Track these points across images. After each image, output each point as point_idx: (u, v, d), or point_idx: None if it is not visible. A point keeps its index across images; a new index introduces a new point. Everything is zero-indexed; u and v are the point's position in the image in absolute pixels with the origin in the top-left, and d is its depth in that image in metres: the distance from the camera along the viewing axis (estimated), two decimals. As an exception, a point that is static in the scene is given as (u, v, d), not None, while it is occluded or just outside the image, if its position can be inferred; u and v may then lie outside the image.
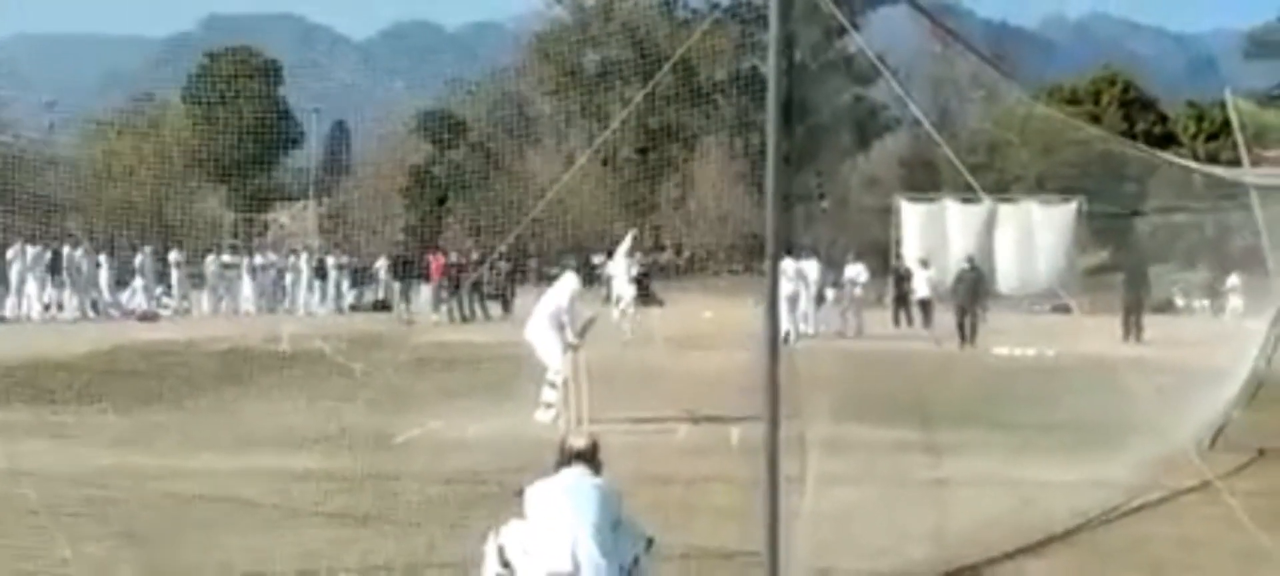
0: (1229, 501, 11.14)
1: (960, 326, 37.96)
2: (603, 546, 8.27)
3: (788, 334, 36.82)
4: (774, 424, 9.35)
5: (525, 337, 19.83)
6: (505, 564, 8.44)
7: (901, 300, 47.08)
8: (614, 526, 8.49)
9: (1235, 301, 43.72)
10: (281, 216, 68.03)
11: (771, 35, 9.49)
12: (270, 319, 41.23)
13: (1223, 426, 17.70)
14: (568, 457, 8.82)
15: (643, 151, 65.81)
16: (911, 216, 59.15)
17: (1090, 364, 24.13)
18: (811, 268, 40.66)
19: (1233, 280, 44.77)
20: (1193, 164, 38.43)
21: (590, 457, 8.87)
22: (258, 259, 49.95)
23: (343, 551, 11.19)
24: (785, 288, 39.44)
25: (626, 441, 17.94)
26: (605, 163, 63.93)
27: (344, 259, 52.18)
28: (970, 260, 42.44)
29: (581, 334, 20.08)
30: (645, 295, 56.46)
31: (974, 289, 39.27)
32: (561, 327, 19.81)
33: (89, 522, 12.18)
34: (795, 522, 9.93)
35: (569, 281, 20.82)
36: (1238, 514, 10.72)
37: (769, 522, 9.36)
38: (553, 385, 19.33)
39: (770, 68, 9.61)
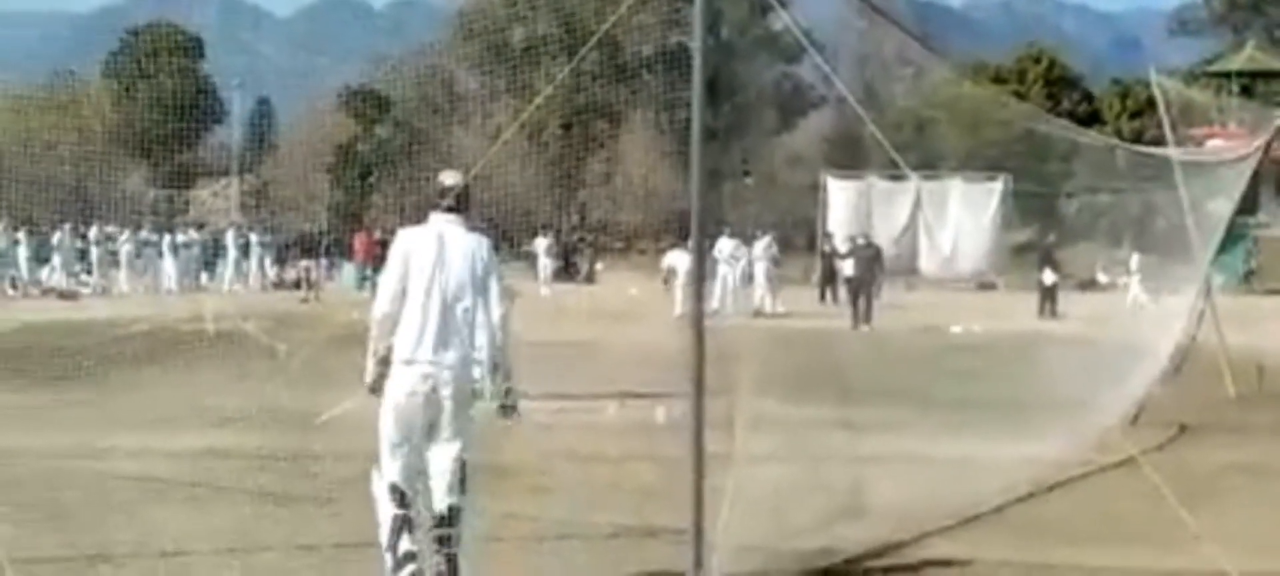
0: (1151, 476, 11.17)
1: (855, 305, 37.39)
2: (464, 311, 8.97)
3: (716, 310, 36.89)
4: (698, 400, 9.31)
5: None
6: (400, 496, 8.91)
7: (828, 278, 47.14)
8: (482, 284, 9.08)
9: (1136, 281, 44.13)
10: (203, 193, 67.45)
11: (696, 10, 9.41)
12: (192, 297, 40.84)
13: (1145, 403, 17.82)
14: (441, 194, 9.29)
15: (568, 127, 65.61)
16: (838, 194, 59.38)
17: (1012, 341, 24.37)
18: (728, 245, 40.46)
19: (1135, 260, 45.18)
20: (1116, 142, 38.75)
21: (461, 195, 9.30)
22: (179, 236, 49.45)
23: (266, 530, 11.05)
24: (721, 266, 39.57)
25: (554, 419, 17.91)
26: (532, 139, 63.66)
27: (267, 236, 51.76)
28: (865, 236, 42.16)
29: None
30: (573, 271, 56.51)
31: (870, 266, 38.43)
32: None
33: (3, 502, 11.97)
34: (721, 500, 9.86)
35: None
36: (1161, 489, 10.75)
37: (694, 500, 9.33)
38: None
39: (696, 43, 9.53)
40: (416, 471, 9.01)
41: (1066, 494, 13.34)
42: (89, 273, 46.01)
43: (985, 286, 55.79)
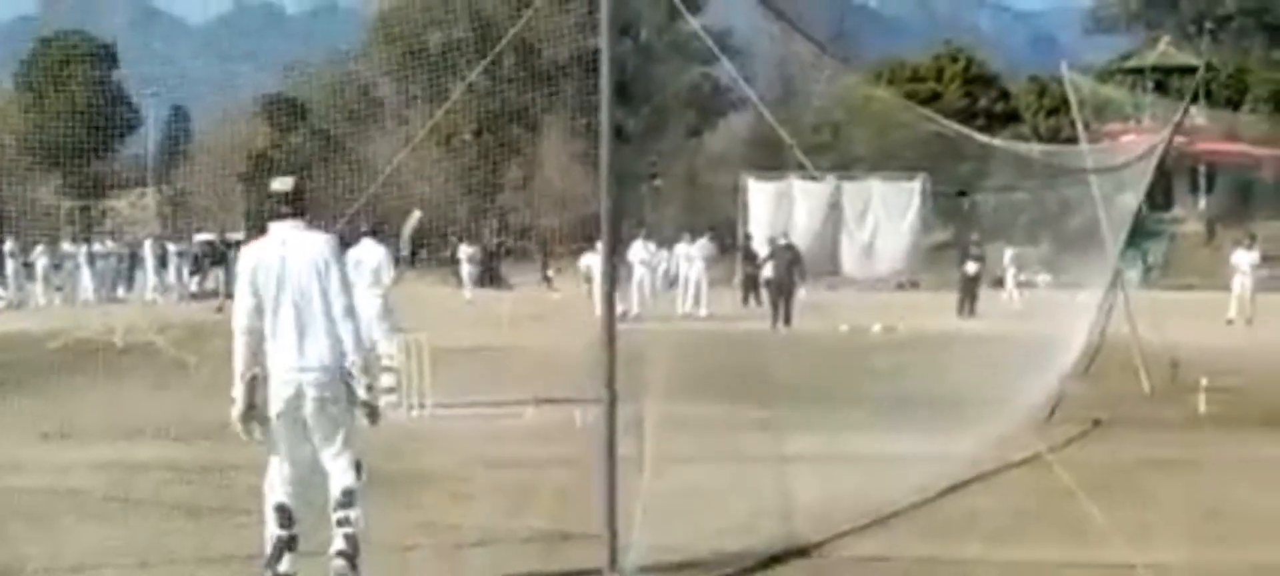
0: (1059, 473, 11.29)
1: (774, 305, 37.44)
2: (321, 313, 9.18)
3: (624, 312, 36.86)
4: (611, 403, 9.37)
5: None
6: (286, 516, 9.30)
7: (750, 280, 47.19)
8: (326, 282, 9.24)
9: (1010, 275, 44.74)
10: (119, 204, 66.76)
11: (603, 14, 9.43)
12: (109, 309, 40.42)
13: (1059, 399, 17.98)
14: (275, 202, 9.48)
15: (482, 133, 65.48)
16: (758, 195, 59.55)
17: (932, 340, 24.51)
18: (640, 250, 40.41)
19: (1008, 254, 45.87)
20: (1029, 146, 39.05)
21: (296, 198, 9.48)
22: (97, 246, 48.93)
23: (176, 543, 10.97)
24: (637, 269, 39.61)
25: (471, 425, 17.89)
26: (445, 145, 63.46)
27: (184, 245, 51.30)
28: (784, 236, 42.33)
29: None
30: (495, 277, 56.37)
31: (789, 266, 38.44)
32: (388, 309, 19.52)
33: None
34: (635, 503, 9.88)
35: (372, 251, 19.86)
36: (1069, 485, 10.86)
37: (607, 502, 9.37)
38: (390, 370, 19.03)
39: (602, 47, 9.54)
40: (303, 484, 9.35)
41: (981, 490, 13.42)
42: (4, 287, 45.42)
43: (904, 286, 56.14)
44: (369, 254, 19.60)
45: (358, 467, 9.36)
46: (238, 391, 9.26)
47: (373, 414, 9.50)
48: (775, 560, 10.55)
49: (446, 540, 11.24)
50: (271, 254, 9.29)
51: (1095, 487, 12.39)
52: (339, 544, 9.22)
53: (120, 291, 48.08)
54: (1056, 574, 10.09)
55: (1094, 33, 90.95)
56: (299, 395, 9.17)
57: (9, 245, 45.66)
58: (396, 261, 20.33)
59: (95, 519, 12.06)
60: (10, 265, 45.53)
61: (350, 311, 9.33)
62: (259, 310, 9.21)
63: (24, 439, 16.52)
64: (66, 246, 49.11)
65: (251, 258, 9.37)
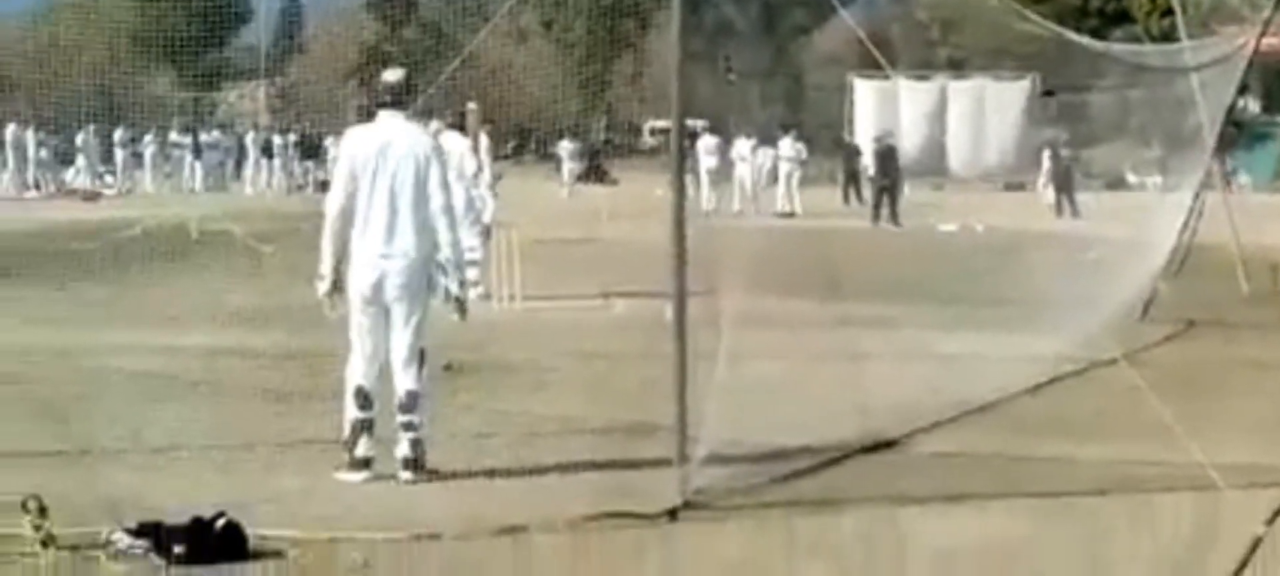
0: (1129, 372, 11.17)
1: (877, 203, 37.37)
2: (411, 205, 9.41)
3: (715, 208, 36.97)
4: (681, 295, 9.37)
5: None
6: (364, 398, 9.53)
7: (852, 178, 47.01)
8: (425, 176, 9.46)
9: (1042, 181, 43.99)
10: (230, 95, 67.43)
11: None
12: (217, 197, 40.95)
13: (1152, 298, 17.78)
14: (383, 92, 9.78)
15: (594, 29, 65.22)
16: (865, 94, 58.86)
17: (1030, 239, 24.24)
18: (742, 147, 40.29)
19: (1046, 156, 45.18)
20: (1124, 47, 38.32)
21: (403, 91, 9.81)
22: (204, 137, 49.45)
23: (258, 427, 11.11)
24: (706, 162, 39.57)
25: (558, 317, 17.99)
26: (558, 42, 63.38)
27: (292, 137, 51.68)
28: (890, 134, 42.14)
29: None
30: (598, 173, 56.41)
31: (889, 164, 38.61)
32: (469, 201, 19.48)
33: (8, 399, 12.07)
34: (708, 396, 9.89)
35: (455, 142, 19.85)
36: (1141, 386, 10.73)
37: (678, 394, 9.39)
38: (473, 263, 19.02)
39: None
40: (384, 370, 9.59)
41: (1065, 389, 13.35)
42: (113, 174, 46.03)
43: (1012, 186, 55.47)
44: (452, 146, 19.52)
45: (421, 361, 9.58)
46: (325, 268, 9.61)
47: (461, 308, 9.78)
48: (851, 454, 10.53)
49: (523, 429, 11.33)
50: (373, 142, 9.56)
51: (1180, 387, 12.30)
52: (403, 449, 9.55)
53: (229, 180, 48.62)
54: (1133, 472, 9.97)
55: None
56: (382, 280, 9.42)
57: (118, 134, 46.19)
58: (476, 153, 20.18)
59: (177, 401, 12.25)
60: (119, 155, 46.08)
61: (447, 209, 9.60)
62: (354, 195, 9.45)
63: (117, 323, 16.80)
64: (174, 136, 49.66)
65: (352, 144, 9.71)
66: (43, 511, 7.75)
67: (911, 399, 12.20)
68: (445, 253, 9.63)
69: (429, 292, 9.70)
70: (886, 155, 38.69)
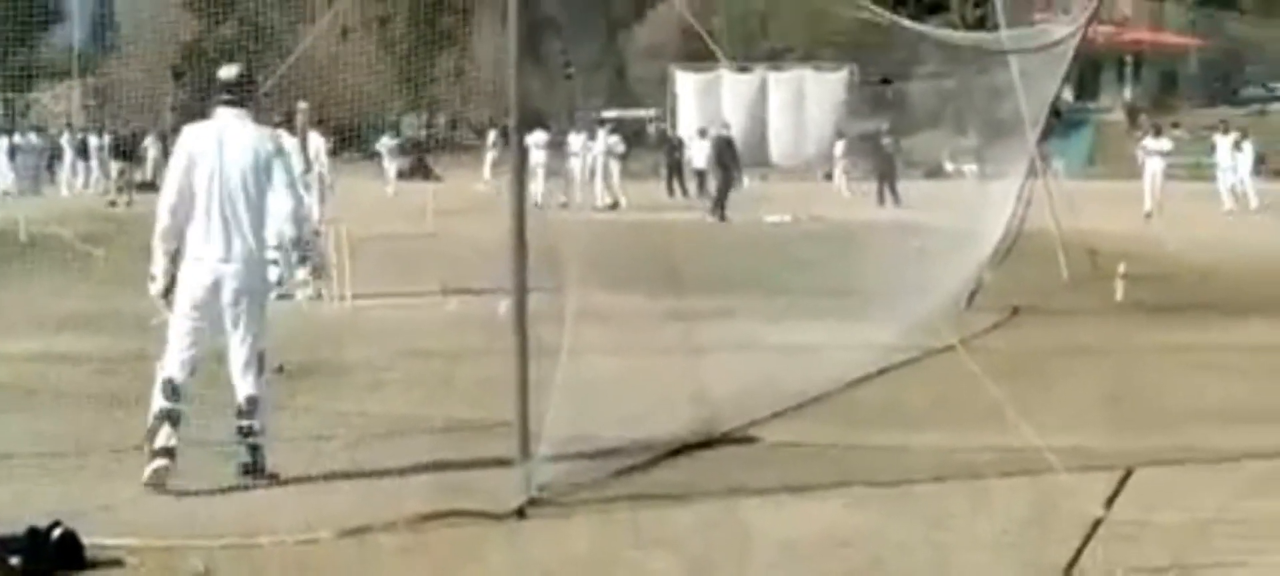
0: (965, 359, 11.38)
1: (718, 195, 37.48)
2: (250, 205, 9.19)
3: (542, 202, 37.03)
4: (521, 291, 9.35)
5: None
6: (172, 389, 9.26)
7: (675, 169, 47.27)
8: (266, 175, 9.29)
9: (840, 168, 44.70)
10: (44, 96, 65.80)
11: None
12: (31, 201, 39.96)
13: (977, 287, 18.10)
14: (219, 89, 9.49)
15: (417, 25, 64.81)
16: (686, 86, 59.21)
17: (853, 229, 24.54)
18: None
19: (840, 146, 46.04)
20: (951, 33, 38.96)
21: (240, 87, 9.52)
22: (18, 138, 48.18)
23: (96, 433, 10.83)
24: (535, 156, 39.61)
25: (391, 316, 17.86)
26: (380, 38, 62.79)
27: (107, 138, 50.52)
28: (726, 126, 42.51)
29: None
30: (422, 170, 56.02)
31: (726, 156, 38.67)
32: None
33: None
34: (548, 391, 9.89)
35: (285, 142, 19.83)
36: (975, 372, 10.95)
37: (519, 391, 9.37)
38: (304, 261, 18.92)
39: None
40: (197, 364, 9.42)
41: (896, 378, 13.56)
42: (-76, 179, 44.67)
43: (831, 176, 56.15)
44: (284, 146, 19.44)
45: (261, 362, 9.42)
46: (157, 268, 9.36)
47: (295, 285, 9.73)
48: (689, 447, 10.60)
49: (361, 430, 11.21)
50: (210, 139, 9.30)
51: (1009, 373, 12.54)
52: (243, 456, 9.41)
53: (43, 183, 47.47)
54: (969, 458, 10.16)
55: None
56: (218, 283, 9.20)
57: (-76, 136, 44.90)
58: (304, 153, 20.02)
59: (9, 409, 11.96)
60: (-71, 158, 44.77)
61: (294, 214, 9.44)
62: (190, 192, 9.21)
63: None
64: (-13, 139, 48.39)
65: (189, 141, 9.37)
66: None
67: (748, 390, 12.28)
68: (282, 238, 9.62)
69: (266, 293, 9.62)
70: (724, 146, 38.82)
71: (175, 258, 9.30)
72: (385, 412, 11.98)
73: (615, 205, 40.84)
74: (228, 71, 9.54)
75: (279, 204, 9.32)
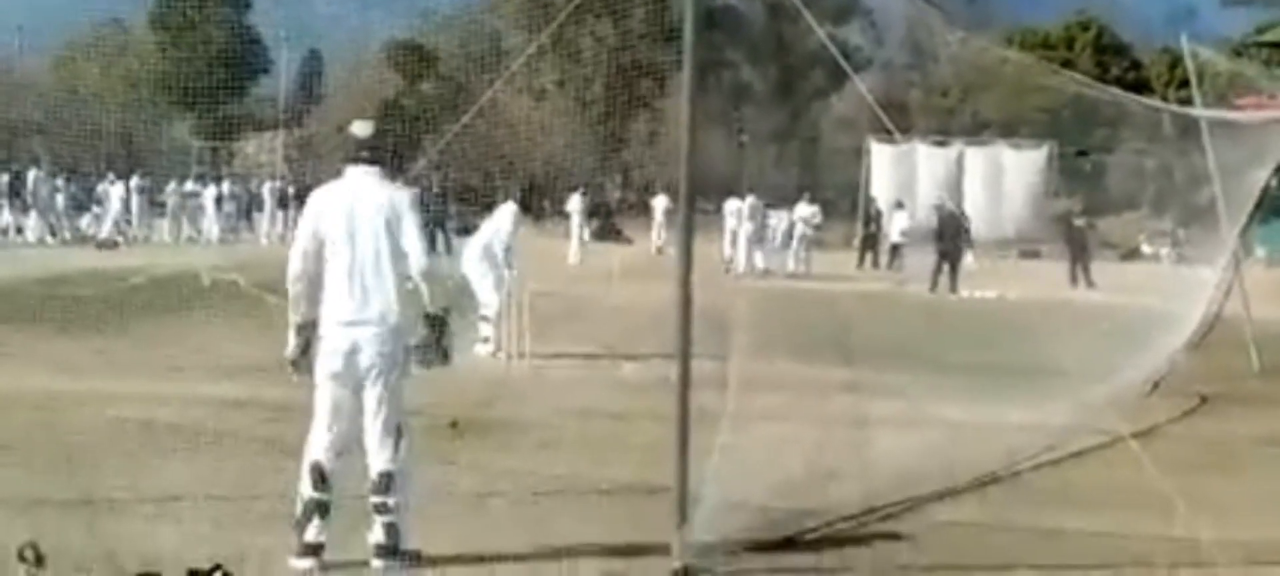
0: (1132, 446, 11.07)
1: (936, 271, 36.52)
2: (384, 269, 8.75)
3: (728, 263, 37.00)
4: (685, 356, 9.30)
5: (461, 271, 19.66)
6: (320, 476, 8.84)
7: (869, 242, 47.03)
8: (399, 234, 8.79)
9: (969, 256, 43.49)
10: (248, 146, 67.63)
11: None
12: (232, 248, 40.97)
13: (1165, 373, 17.68)
14: (353, 146, 9.04)
15: (612, 88, 65.47)
16: (881, 158, 58.93)
17: (1042, 307, 24.09)
18: (746, 207, 40.31)
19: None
20: (1155, 102, 38.20)
21: (374, 145, 9.07)
22: (223, 187, 49.54)
23: (264, 480, 11.01)
24: (728, 223, 39.66)
25: (567, 376, 17.95)
26: (577, 98, 63.59)
27: (307, 189, 51.65)
28: (944, 200, 41.98)
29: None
30: (610, 231, 56.43)
31: (957, 233, 37.75)
32: (494, 260, 19.74)
33: (4, 444, 12.04)
34: (711, 457, 9.83)
35: (507, 212, 20.57)
36: (1142, 459, 10.65)
37: (679, 455, 9.29)
38: (485, 319, 19.28)
39: (686, 7, 9.37)
40: (348, 444, 8.89)
41: (1070, 462, 13.27)
42: (130, 222, 46.03)
43: (1027, 254, 55.44)
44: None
45: (397, 437, 8.84)
46: (290, 337, 8.92)
47: (427, 359, 8.99)
48: (851, 520, 10.47)
49: (527, 488, 11.26)
50: (340, 199, 8.88)
51: (1194, 463, 12.22)
52: (377, 536, 8.82)
53: (243, 230, 48.71)
54: (1141, 547, 9.90)
55: (1232, 4, 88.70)
56: (354, 352, 8.73)
57: (136, 181, 46.29)
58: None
59: (181, 452, 12.21)
60: (136, 201, 46.14)
61: (427, 271, 8.85)
62: (317, 255, 8.81)
63: (123, 373, 16.78)
64: (190, 185, 49.76)
65: (317, 204, 8.93)
66: (40, 560, 7.71)
67: (914, 467, 12.11)
68: (424, 302, 8.90)
69: (406, 361, 8.92)
70: (949, 220, 38.18)
71: (307, 326, 8.87)
72: (554, 472, 11.99)
73: (804, 274, 40.70)
74: (361, 128, 9.08)
75: (415, 263, 8.82)
